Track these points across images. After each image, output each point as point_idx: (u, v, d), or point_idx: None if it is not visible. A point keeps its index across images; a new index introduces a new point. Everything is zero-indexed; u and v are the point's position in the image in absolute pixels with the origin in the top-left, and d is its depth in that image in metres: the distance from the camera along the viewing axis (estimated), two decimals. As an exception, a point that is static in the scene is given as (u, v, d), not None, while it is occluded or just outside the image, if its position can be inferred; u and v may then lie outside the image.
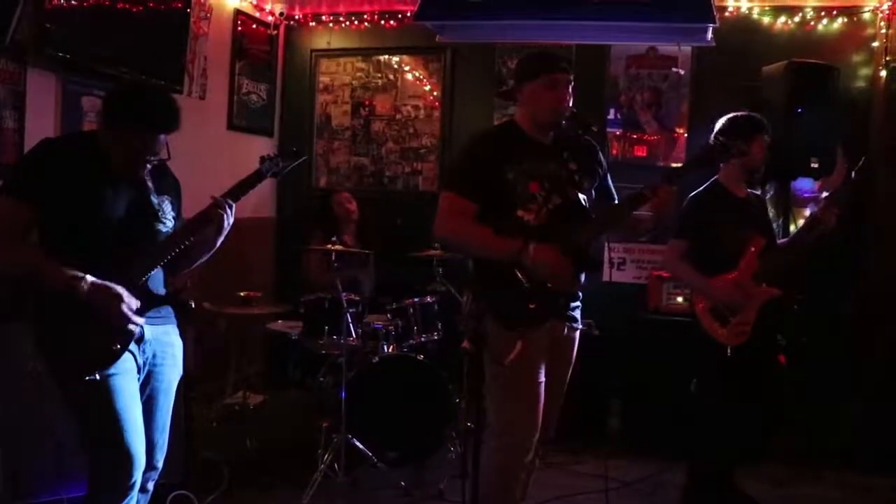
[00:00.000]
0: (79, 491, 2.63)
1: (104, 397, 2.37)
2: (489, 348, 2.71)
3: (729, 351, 3.48)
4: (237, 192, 2.62)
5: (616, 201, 3.07)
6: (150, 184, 2.54)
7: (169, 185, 2.65)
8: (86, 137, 2.58)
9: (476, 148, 2.94)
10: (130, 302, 2.36)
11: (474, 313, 2.56)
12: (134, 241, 2.45)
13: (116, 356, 2.39)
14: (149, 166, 2.48)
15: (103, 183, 2.42)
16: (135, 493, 2.47)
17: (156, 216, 2.53)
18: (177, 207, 2.66)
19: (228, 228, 2.60)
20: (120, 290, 2.34)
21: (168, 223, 2.57)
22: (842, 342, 4.86)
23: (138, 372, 2.50)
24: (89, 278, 2.30)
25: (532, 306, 2.76)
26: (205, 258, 2.70)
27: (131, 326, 2.38)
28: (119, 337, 2.39)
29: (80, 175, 2.39)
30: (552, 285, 2.75)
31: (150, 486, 2.63)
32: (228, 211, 2.57)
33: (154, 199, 2.54)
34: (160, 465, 2.64)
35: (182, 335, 2.72)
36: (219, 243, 2.64)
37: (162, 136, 2.43)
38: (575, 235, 2.78)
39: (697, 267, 3.56)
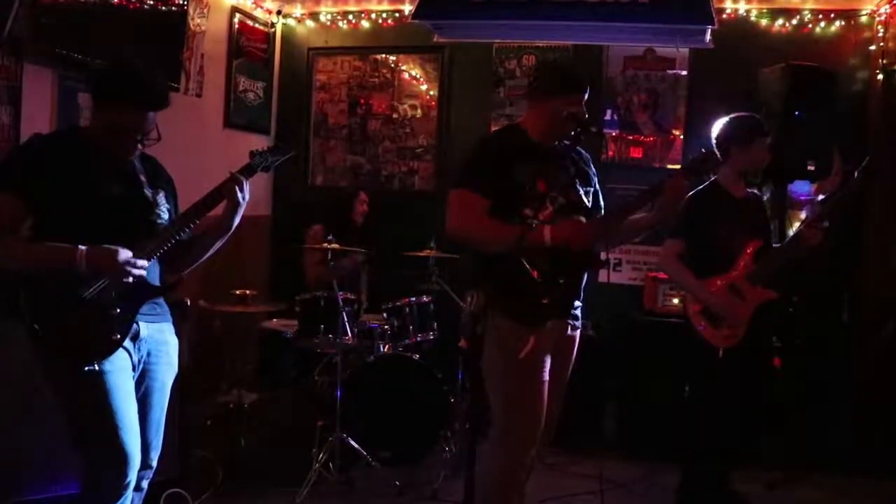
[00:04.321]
0: (72, 489, 2.62)
1: (99, 396, 2.35)
2: (499, 345, 2.73)
3: (720, 352, 3.48)
4: (246, 173, 2.61)
5: (603, 211, 3.09)
6: (142, 177, 2.54)
7: (162, 180, 2.64)
8: (77, 132, 2.57)
9: (486, 147, 3.01)
10: (125, 253, 2.35)
11: (476, 313, 2.56)
12: (129, 233, 2.43)
13: (116, 346, 2.38)
14: (141, 147, 2.48)
15: (96, 176, 2.41)
16: (129, 492, 2.45)
17: (150, 208, 2.52)
18: (172, 201, 2.65)
19: (244, 207, 2.59)
20: (112, 246, 2.33)
21: (163, 215, 2.56)
22: (837, 344, 4.87)
23: (133, 370, 2.49)
24: (82, 247, 2.29)
25: (545, 301, 2.78)
26: (219, 244, 2.68)
27: (136, 271, 2.37)
28: (118, 326, 2.39)
29: (73, 169, 2.38)
30: (576, 248, 2.76)
31: (145, 484, 2.62)
32: (243, 187, 2.56)
33: (148, 192, 2.53)
34: (154, 463, 2.63)
35: (177, 333, 2.70)
36: (234, 225, 2.61)
37: (151, 115, 2.42)
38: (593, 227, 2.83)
39: (694, 267, 3.56)
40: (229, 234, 2.65)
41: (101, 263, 2.31)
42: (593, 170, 3.10)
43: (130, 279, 2.37)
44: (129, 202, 2.48)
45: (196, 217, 2.52)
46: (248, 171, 2.63)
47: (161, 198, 2.58)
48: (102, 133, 2.42)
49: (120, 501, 2.42)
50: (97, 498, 2.42)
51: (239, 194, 2.55)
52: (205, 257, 2.71)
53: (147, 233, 2.48)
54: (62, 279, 2.31)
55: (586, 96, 2.93)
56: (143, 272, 2.40)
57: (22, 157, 2.47)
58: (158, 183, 2.61)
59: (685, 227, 3.56)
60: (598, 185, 3.10)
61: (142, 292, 2.46)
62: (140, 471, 2.49)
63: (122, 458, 2.39)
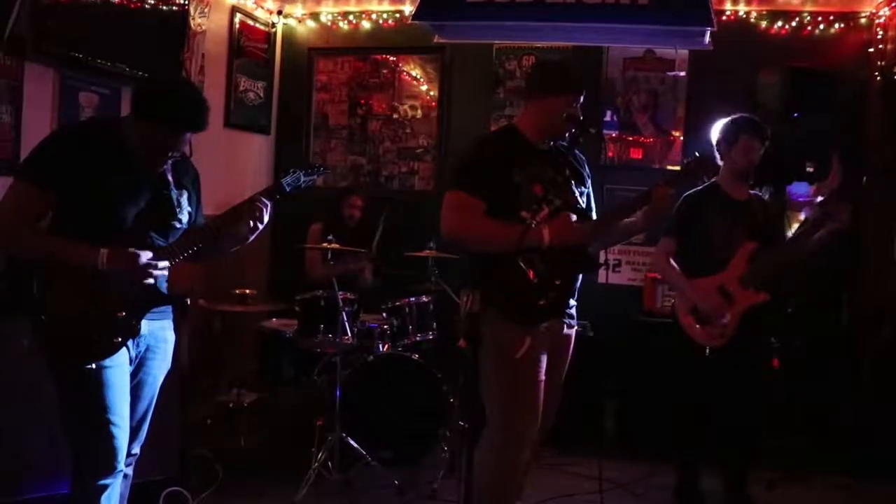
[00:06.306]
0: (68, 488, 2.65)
1: (95, 390, 2.39)
2: (496, 345, 2.75)
3: (707, 351, 3.50)
4: (269, 194, 2.64)
5: (595, 215, 3.10)
6: (169, 177, 2.54)
7: (189, 179, 2.65)
8: (107, 126, 2.54)
9: (483, 149, 2.99)
10: (145, 255, 2.39)
11: (474, 313, 2.57)
12: (149, 234, 2.46)
13: (116, 349, 2.41)
14: (169, 162, 2.49)
15: (123, 174, 2.41)
16: (118, 481, 2.50)
17: (172, 212, 2.54)
18: (195, 200, 2.66)
19: (263, 227, 2.62)
20: (131, 249, 2.37)
21: (184, 218, 2.57)
22: (837, 345, 4.87)
23: (129, 363, 2.51)
24: (104, 249, 2.32)
25: (542, 302, 2.80)
26: (231, 251, 2.72)
27: (157, 272, 2.41)
28: (121, 330, 2.41)
29: (100, 166, 2.39)
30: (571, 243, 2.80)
31: (130, 471, 2.65)
32: (266, 209, 2.58)
33: (173, 194, 2.54)
34: (137, 451, 2.66)
35: (177, 330, 2.73)
36: (251, 239, 2.65)
37: (187, 134, 2.44)
38: (585, 229, 2.86)
39: (686, 266, 3.58)
40: (244, 244, 2.68)
41: (123, 265, 2.34)
42: (587, 171, 3.11)
43: (151, 280, 2.40)
44: (153, 204, 2.49)
45: (216, 232, 2.55)
46: (275, 191, 2.67)
47: (184, 199, 2.59)
48: (136, 142, 2.41)
49: (107, 492, 2.46)
50: (86, 490, 2.46)
51: (259, 217, 2.58)
52: (212, 259, 2.74)
53: (163, 235, 2.50)
54: (76, 276, 2.34)
55: (582, 98, 2.93)
56: (164, 272, 2.43)
57: (49, 151, 2.44)
58: (184, 182, 2.61)
59: (678, 226, 3.59)
60: (590, 187, 3.12)
61: (149, 300, 2.49)
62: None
63: (111, 452, 2.43)
